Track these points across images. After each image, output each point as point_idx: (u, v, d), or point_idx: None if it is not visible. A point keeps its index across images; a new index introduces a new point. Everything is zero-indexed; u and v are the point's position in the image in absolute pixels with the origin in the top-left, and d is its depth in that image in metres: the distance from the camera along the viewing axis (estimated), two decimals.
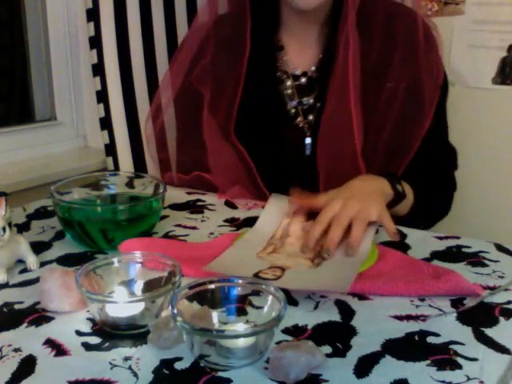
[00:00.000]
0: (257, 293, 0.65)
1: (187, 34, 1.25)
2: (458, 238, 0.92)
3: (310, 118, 1.12)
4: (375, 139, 1.06)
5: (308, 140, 1.11)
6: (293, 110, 1.13)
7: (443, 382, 0.56)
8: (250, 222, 0.95)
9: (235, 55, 1.10)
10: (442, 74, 1.08)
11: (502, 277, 0.78)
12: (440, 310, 0.70)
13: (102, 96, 1.43)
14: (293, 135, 1.12)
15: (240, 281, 0.66)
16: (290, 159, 1.12)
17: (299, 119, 1.12)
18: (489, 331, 0.65)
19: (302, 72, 1.13)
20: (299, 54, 1.14)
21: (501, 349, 0.62)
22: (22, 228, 0.96)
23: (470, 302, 0.71)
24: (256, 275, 0.75)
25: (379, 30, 1.06)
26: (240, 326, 0.62)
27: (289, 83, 1.13)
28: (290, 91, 1.13)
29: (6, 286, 0.77)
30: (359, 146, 1.03)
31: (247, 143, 1.10)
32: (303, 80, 1.13)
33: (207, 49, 1.15)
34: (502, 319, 0.67)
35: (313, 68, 1.13)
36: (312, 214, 0.93)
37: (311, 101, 1.12)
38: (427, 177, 1.09)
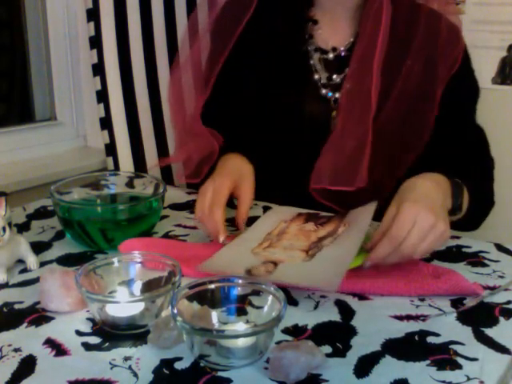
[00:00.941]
0: (257, 293, 0.65)
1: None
2: (458, 237, 0.92)
3: (337, 95, 1.11)
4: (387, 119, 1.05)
5: (335, 115, 1.09)
6: (320, 82, 1.12)
7: (443, 382, 0.56)
8: (250, 222, 0.95)
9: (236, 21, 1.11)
10: (458, 63, 1.08)
11: (502, 277, 0.78)
12: (440, 309, 0.70)
13: (102, 96, 1.43)
14: (318, 107, 1.11)
15: (240, 281, 0.66)
16: (312, 133, 1.10)
17: (325, 91, 1.12)
18: (489, 331, 0.65)
19: (331, 48, 1.13)
20: (332, 31, 1.14)
21: (501, 349, 0.62)
22: (22, 228, 0.96)
23: (469, 302, 0.71)
24: (248, 271, 0.75)
25: (405, 16, 1.07)
26: (240, 326, 0.62)
27: (317, 56, 1.13)
28: (318, 64, 1.13)
29: (6, 286, 0.77)
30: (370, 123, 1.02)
31: (270, 114, 1.10)
32: (331, 56, 1.13)
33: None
34: (501, 319, 0.67)
35: (342, 48, 1.13)
36: (310, 218, 0.93)
37: (338, 80, 1.12)
38: (465, 172, 1.05)
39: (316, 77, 1.12)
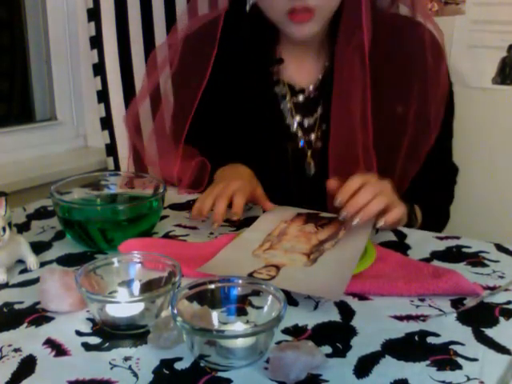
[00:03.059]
0: (257, 293, 0.65)
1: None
2: (458, 238, 0.92)
3: (312, 137, 1.10)
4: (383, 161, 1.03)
5: (310, 160, 1.10)
6: (292, 127, 1.11)
7: (443, 382, 0.56)
8: (250, 221, 0.95)
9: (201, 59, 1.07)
10: (447, 88, 1.05)
11: (502, 277, 0.78)
12: (440, 310, 0.70)
13: (103, 96, 1.43)
14: (293, 154, 1.11)
15: (240, 281, 0.66)
16: (290, 179, 1.10)
17: (299, 135, 1.11)
18: (489, 331, 0.65)
19: (300, 89, 1.11)
20: (298, 69, 1.11)
21: (501, 349, 0.62)
22: (22, 228, 0.96)
23: (470, 302, 0.71)
24: (250, 275, 0.75)
25: (383, 51, 1.03)
26: (240, 326, 0.62)
27: (287, 99, 1.11)
28: (288, 109, 1.11)
29: (6, 286, 0.77)
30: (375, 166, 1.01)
31: (245, 159, 1.08)
32: (301, 98, 1.11)
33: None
34: (502, 319, 0.67)
35: (311, 87, 1.10)
36: (309, 219, 0.93)
37: (312, 121, 1.10)
38: (431, 195, 1.09)
39: (287, 122, 1.10)
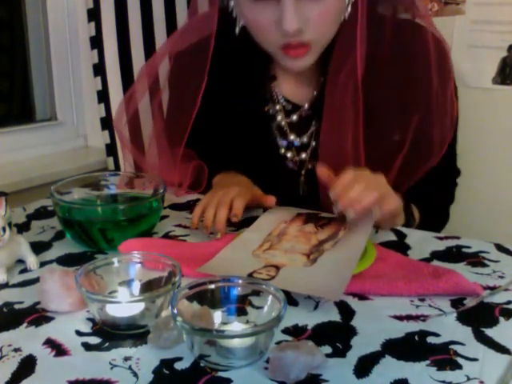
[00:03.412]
0: (257, 293, 0.65)
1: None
2: (458, 238, 0.92)
3: (303, 156, 1.09)
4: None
5: (302, 178, 1.10)
6: (285, 147, 1.10)
7: (443, 382, 0.56)
8: (250, 222, 0.95)
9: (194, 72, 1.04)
10: (455, 112, 1.02)
11: (502, 277, 0.78)
12: (440, 310, 0.70)
13: (103, 96, 1.43)
14: (285, 172, 1.10)
15: (240, 281, 0.66)
16: (282, 196, 1.07)
17: (290, 155, 1.10)
18: (489, 331, 0.65)
19: (293, 107, 1.09)
20: (292, 87, 1.09)
21: (501, 349, 0.62)
22: (22, 228, 0.96)
23: (469, 302, 0.71)
24: (250, 275, 0.75)
25: (385, 56, 0.99)
26: (240, 326, 0.62)
27: (279, 118, 1.09)
28: (280, 128, 1.10)
29: (6, 286, 0.77)
30: None
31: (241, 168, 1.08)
32: (295, 118, 1.09)
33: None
34: (501, 319, 0.67)
35: (306, 105, 1.08)
36: (309, 219, 0.93)
37: (305, 139, 1.09)
38: (431, 195, 1.09)
39: (278, 141, 1.10)
